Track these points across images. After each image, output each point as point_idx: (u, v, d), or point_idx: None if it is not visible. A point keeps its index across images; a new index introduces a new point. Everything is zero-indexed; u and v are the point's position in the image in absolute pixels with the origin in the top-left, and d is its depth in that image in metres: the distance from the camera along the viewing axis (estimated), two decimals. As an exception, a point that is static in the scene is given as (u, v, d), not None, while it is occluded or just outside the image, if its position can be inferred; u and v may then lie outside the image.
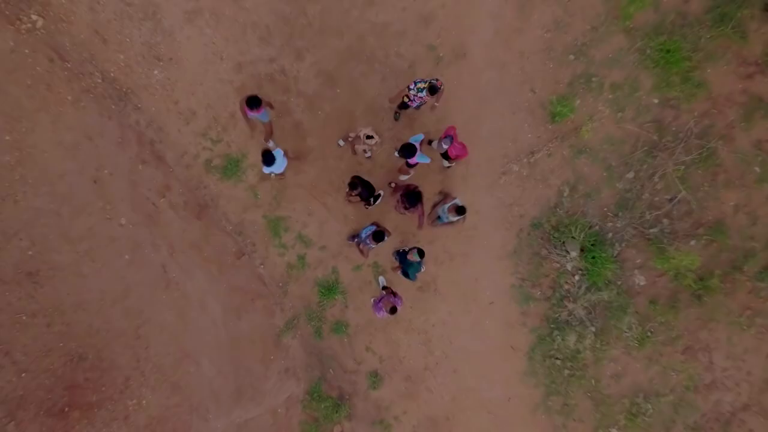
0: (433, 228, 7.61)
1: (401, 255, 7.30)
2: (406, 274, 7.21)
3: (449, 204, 6.79)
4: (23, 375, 6.57)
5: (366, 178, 7.36)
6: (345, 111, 7.86)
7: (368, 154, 7.73)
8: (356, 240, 7.28)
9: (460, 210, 6.60)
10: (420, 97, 6.81)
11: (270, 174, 7.19)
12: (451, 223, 6.99)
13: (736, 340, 7.91)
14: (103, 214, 7.35)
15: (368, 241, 6.75)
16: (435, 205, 7.42)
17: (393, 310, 6.61)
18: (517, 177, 8.01)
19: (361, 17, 7.80)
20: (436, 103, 7.23)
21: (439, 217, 7.17)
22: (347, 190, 7.07)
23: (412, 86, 6.73)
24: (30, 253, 6.84)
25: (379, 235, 6.56)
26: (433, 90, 6.45)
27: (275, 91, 7.84)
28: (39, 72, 7.15)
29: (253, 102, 6.34)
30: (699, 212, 7.83)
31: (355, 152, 7.34)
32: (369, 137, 6.86)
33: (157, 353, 7.26)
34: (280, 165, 6.67)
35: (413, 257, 6.65)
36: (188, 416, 7.34)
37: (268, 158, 6.43)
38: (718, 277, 7.78)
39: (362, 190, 6.90)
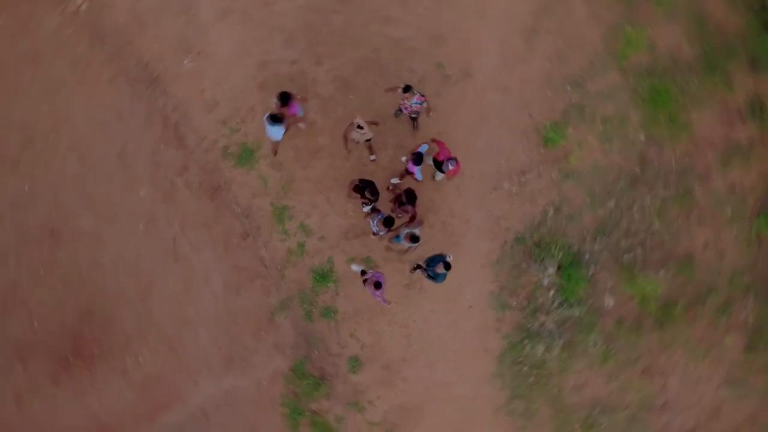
0: (389, 244, 7.85)
1: (429, 261, 7.43)
2: (432, 278, 7.31)
3: (408, 231, 6.98)
4: (35, 323, 6.94)
5: (368, 178, 7.52)
6: (353, 114, 8.13)
7: (373, 157, 8.03)
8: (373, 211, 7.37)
9: (414, 239, 6.82)
10: (403, 103, 7.11)
11: (270, 137, 7.32)
12: (406, 248, 7.21)
13: (691, 368, 8.08)
14: (124, 186, 7.71)
15: (377, 227, 6.93)
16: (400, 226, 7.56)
17: (378, 285, 6.77)
18: (507, 193, 8.22)
19: (379, 31, 8.06)
20: (416, 129, 7.68)
21: (397, 236, 7.34)
22: (358, 195, 7.16)
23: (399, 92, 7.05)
24: (54, 214, 7.20)
25: (389, 221, 6.75)
26: (406, 89, 6.81)
27: (294, 90, 8.13)
28: (79, 52, 7.52)
29: (285, 97, 6.56)
30: (671, 245, 8.00)
31: (346, 140, 7.35)
32: (359, 127, 6.93)
33: (160, 318, 7.57)
34: (278, 133, 6.92)
35: (441, 270, 6.93)
36: (181, 378, 7.65)
37: (275, 119, 6.66)
38: (681, 307, 7.97)
39: (369, 193, 6.97)
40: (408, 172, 7.41)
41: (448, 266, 6.92)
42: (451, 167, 6.97)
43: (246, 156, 8.16)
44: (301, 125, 8.01)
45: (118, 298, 7.48)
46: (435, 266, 7.05)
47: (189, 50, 7.96)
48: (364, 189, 6.94)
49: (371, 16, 8.04)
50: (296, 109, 6.95)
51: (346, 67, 8.11)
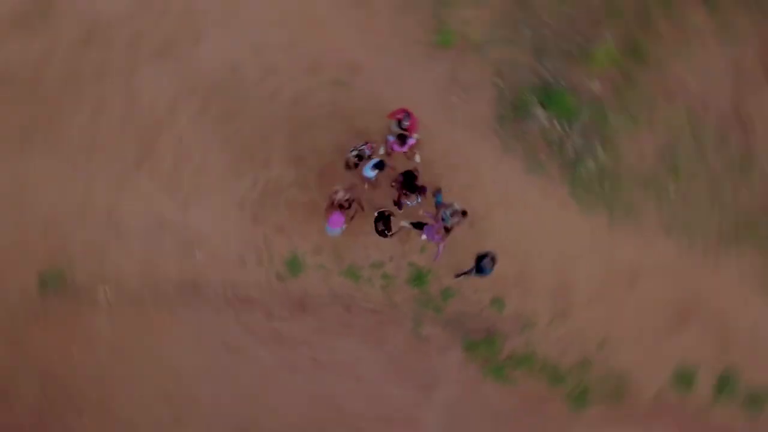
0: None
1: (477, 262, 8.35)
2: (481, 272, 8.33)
3: (450, 209, 7.93)
4: None
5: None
6: (327, 170, 9.04)
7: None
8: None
9: (464, 213, 7.91)
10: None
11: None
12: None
13: (701, 69, 8.81)
14: (246, 364, 9.28)
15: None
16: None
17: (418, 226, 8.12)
18: (461, 103, 8.97)
19: (281, 107, 8.88)
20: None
21: (443, 218, 8.14)
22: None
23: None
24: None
25: (380, 164, 8.03)
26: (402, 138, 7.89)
27: (276, 196, 9.08)
28: (138, 323, 9.10)
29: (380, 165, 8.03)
30: (588, 10, 8.72)
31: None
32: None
33: (368, 405, 9.33)
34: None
35: (488, 265, 8.09)
36: (408, 421, 9.40)
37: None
38: (643, 35, 8.70)
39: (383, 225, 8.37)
40: (408, 152, 8.53)
41: (494, 261, 8.10)
42: (407, 123, 7.89)
43: (294, 266, 9.24)
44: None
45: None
46: (483, 264, 8.17)
47: (190, 246, 9.10)
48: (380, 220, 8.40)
49: (269, 99, 8.95)
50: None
51: (287, 147, 9.03)
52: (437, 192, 8.56)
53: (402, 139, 8.02)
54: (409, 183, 8.18)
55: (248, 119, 9.17)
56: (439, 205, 8.37)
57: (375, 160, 8.13)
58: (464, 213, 8.03)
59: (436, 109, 9.02)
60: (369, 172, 8.23)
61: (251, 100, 9.14)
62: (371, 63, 9.07)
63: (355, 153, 8.18)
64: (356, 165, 8.34)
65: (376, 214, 8.50)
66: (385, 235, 8.55)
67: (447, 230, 8.06)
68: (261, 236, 9.23)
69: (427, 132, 8.90)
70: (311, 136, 9.16)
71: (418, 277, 9.36)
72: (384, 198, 9.01)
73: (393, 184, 8.48)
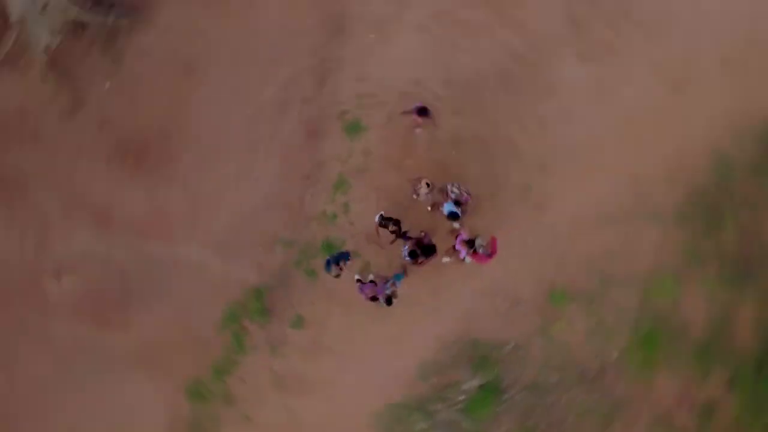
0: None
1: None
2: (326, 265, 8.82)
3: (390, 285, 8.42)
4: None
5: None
6: (445, 166, 9.12)
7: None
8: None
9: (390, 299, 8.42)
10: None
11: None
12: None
13: None
14: (261, 77, 9.57)
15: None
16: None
17: (388, 301, 8.35)
18: (491, 305, 9.10)
19: (510, 131, 8.97)
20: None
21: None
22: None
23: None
24: (199, 53, 9.55)
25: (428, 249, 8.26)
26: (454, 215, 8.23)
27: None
28: None
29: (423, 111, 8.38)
30: None
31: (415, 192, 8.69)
32: (427, 185, 8.36)
33: (206, 175, 9.48)
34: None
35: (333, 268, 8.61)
36: (184, 226, 9.48)
37: None
38: None
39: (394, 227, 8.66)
40: (454, 249, 8.54)
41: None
42: (480, 251, 8.10)
43: (354, 128, 9.37)
44: (419, 130, 9.11)
45: (191, 139, 9.40)
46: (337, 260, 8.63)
47: (380, 30, 9.22)
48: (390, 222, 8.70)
49: (515, 118, 8.98)
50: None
51: (468, 132, 9.09)
52: (398, 274, 8.87)
53: (468, 245, 8.24)
54: (421, 250, 8.39)
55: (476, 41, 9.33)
56: (396, 277, 8.74)
57: (457, 213, 8.39)
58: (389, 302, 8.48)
59: (489, 285, 9.19)
60: (446, 209, 8.49)
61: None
62: (558, 206, 9.14)
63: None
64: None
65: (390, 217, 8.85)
66: (382, 225, 8.89)
67: (372, 298, 8.58)
68: (393, 91, 9.40)
69: (472, 271, 9.06)
70: (477, 104, 9.31)
71: (328, 247, 9.62)
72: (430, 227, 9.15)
73: (422, 232, 8.73)
